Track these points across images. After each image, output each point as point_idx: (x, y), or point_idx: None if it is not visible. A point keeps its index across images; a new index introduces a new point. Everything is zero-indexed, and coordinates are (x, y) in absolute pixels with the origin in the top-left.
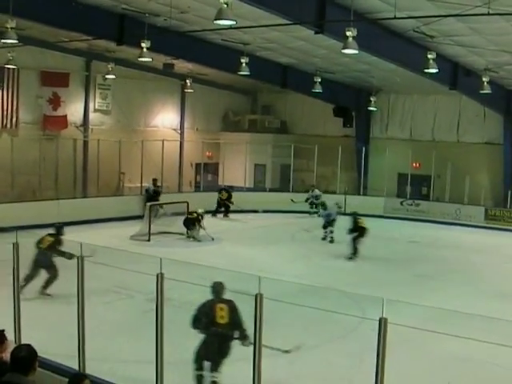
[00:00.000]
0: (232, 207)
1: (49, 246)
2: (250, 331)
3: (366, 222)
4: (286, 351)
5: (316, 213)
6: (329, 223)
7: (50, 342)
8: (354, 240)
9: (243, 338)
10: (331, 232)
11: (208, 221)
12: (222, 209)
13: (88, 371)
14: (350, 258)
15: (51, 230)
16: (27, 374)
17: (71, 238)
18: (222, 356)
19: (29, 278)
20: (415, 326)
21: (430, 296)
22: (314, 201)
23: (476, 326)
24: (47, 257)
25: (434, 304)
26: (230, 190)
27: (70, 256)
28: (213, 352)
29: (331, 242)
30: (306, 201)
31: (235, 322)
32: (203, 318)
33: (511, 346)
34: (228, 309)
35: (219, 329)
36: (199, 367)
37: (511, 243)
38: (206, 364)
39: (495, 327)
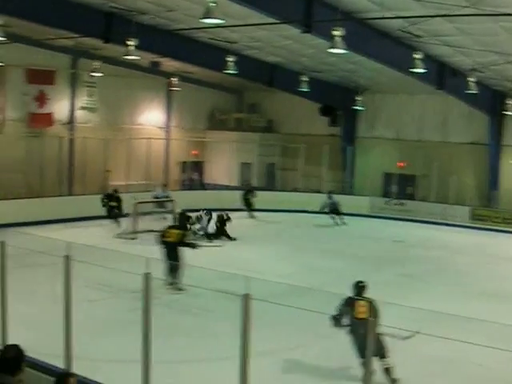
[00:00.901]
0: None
1: (177, 238)
2: None
3: None
4: (406, 337)
5: (338, 224)
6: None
7: (35, 341)
8: None
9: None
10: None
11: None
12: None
13: (74, 370)
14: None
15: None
16: (15, 375)
17: (57, 236)
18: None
19: (171, 271)
20: (403, 327)
21: (414, 296)
22: (334, 208)
23: (460, 326)
24: (175, 249)
25: (419, 305)
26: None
27: (195, 246)
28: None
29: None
30: (322, 210)
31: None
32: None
33: (495, 347)
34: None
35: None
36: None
37: (496, 243)
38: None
39: (480, 328)
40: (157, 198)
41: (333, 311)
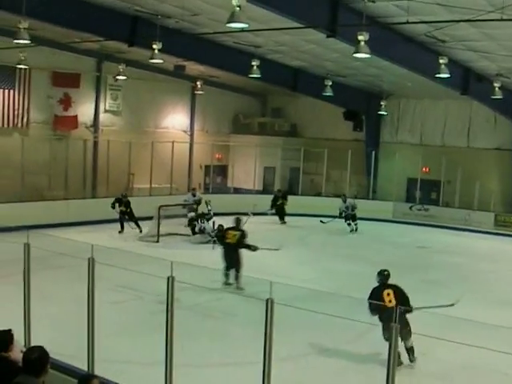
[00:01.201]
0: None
1: (237, 240)
2: None
3: None
4: (451, 305)
5: (352, 230)
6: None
7: (59, 343)
8: None
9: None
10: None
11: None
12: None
13: (97, 372)
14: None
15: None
16: (39, 376)
17: (80, 238)
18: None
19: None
20: (425, 333)
21: (438, 303)
22: (350, 212)
23: (485, 334)
24: (235, 250)
25: (443, 311)
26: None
27: (254, 248)
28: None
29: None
30: (340, 215)
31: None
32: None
33: None
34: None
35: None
36: None
37: None
38: None
39: (505, 336)
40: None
41: (355, 316)
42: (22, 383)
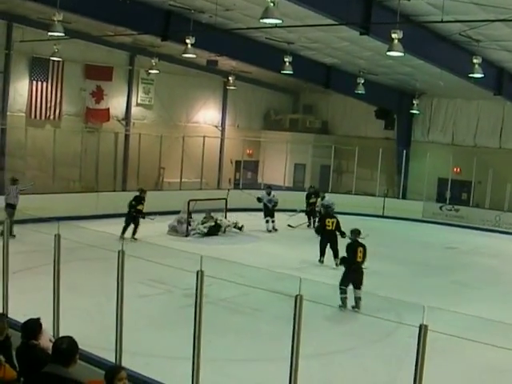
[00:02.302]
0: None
1: (335, 226)
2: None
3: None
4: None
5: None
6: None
7: (87, 334)
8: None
9: None
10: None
11: (247, 219)
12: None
13: (124, 364)
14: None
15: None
16: (68, 366)
17: (111, 230)
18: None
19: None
20: (453, 334)
21: (466, 304)
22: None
23: None
24: (334, 235)
25: (471, 312)
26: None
27: (344, 234)
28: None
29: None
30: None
31: None
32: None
33: None
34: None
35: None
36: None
37: None
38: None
39: None
40: (259, 199)
41: (382, 315)
42: (52, 372)
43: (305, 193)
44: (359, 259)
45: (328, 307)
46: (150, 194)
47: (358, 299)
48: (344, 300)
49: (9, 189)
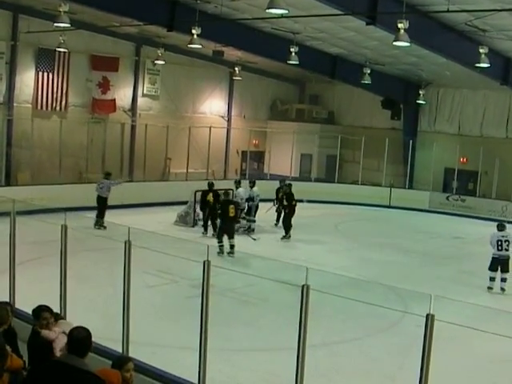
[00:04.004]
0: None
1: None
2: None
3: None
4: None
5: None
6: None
7: (94, 324)
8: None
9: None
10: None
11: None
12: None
13: (131, 354)
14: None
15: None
16: (84, 357)
17: (117, 221)
18: None
19: None
20: (460, 323)
21: (474, 294)
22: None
23: None
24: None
25: (479, 302)
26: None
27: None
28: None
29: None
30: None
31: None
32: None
33: None
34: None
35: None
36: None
37: None
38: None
39: None
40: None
41: (388, 305)
42: (69, 363)
43: (312, 183)
44: (231, 215)
45: (335, 297)
46: (157, 185)
47: (232, 247)
48: (221, 248)
49: (103, 182)
